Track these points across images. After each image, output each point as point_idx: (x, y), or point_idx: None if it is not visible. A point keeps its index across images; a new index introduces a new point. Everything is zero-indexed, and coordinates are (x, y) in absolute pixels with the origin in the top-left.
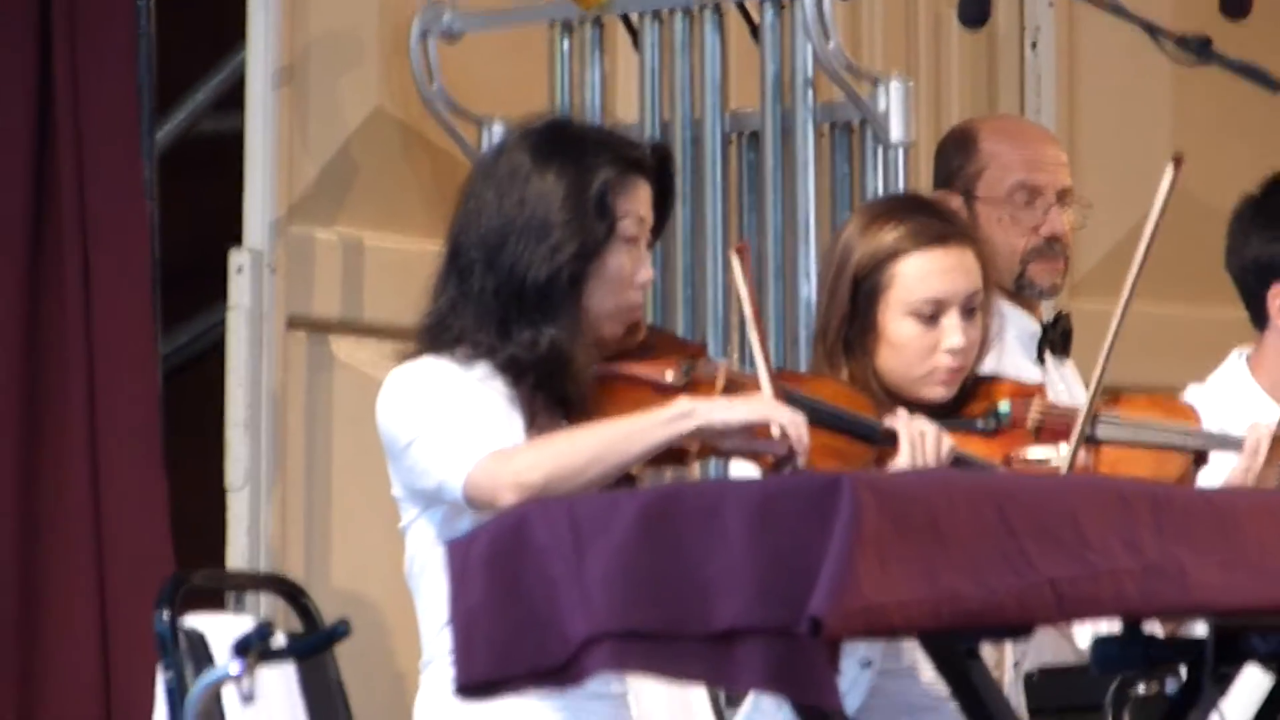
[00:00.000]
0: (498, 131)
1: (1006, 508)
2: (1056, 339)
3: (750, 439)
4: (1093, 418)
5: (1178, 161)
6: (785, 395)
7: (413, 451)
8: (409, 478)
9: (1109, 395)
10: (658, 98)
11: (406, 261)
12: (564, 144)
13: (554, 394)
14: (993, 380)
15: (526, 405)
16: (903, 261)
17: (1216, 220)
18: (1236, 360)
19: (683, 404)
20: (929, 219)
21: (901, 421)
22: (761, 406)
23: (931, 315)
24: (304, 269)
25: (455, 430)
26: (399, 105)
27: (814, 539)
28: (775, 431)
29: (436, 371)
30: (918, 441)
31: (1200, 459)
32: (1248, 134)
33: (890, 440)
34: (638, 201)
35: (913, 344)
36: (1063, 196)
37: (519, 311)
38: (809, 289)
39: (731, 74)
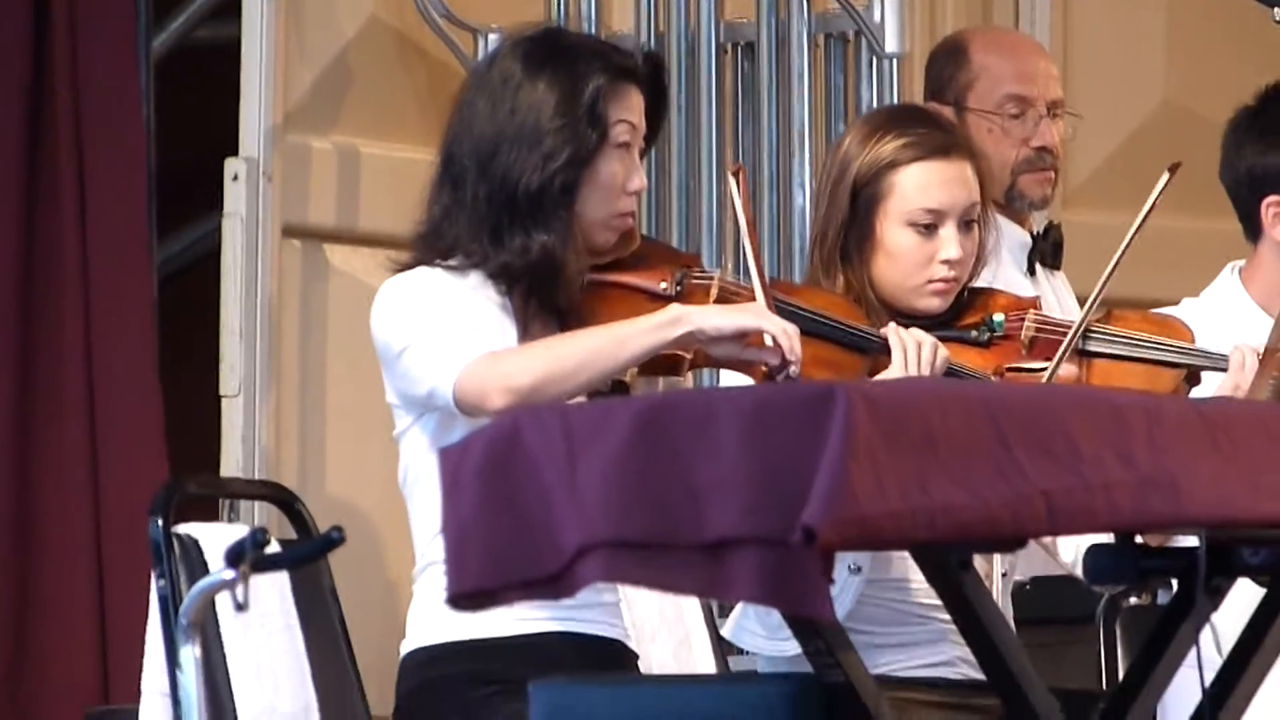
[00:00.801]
0: (493, 41)
1: (1000, 419)
2: (1047, 250)
3: (742, 347)
4: (1085, 331)
5: (1173, 170)
6: (779, 305)
7: (405, 359)
8: (402, 385)
9: (1101, 310)
10: (653, 8)
11: (402, 170)
12: (556, 52)
13: (546, 301)
14: (988, 292)
15: (519, 313)
16: (902, 172)
17: (1210, 132)
18: (1229, 274)
19: (674, 309)
20: (929, 130)
21: (895, 332)
22: (754, 314)
23: (929, 226)
24: (299, 177)
25: (446, 337)
26: (395, 14)
27: (807, 448)
28: (768, 340)
29: (430, 281)
30: (911, 351)
31: (1193, 377)
32: (1241, 47)
33: (884, 350)
34: (630, 109)
35: (909, 254)
36: (1053, 108)
37: (511, 219)
38: (803, 199)
39: None
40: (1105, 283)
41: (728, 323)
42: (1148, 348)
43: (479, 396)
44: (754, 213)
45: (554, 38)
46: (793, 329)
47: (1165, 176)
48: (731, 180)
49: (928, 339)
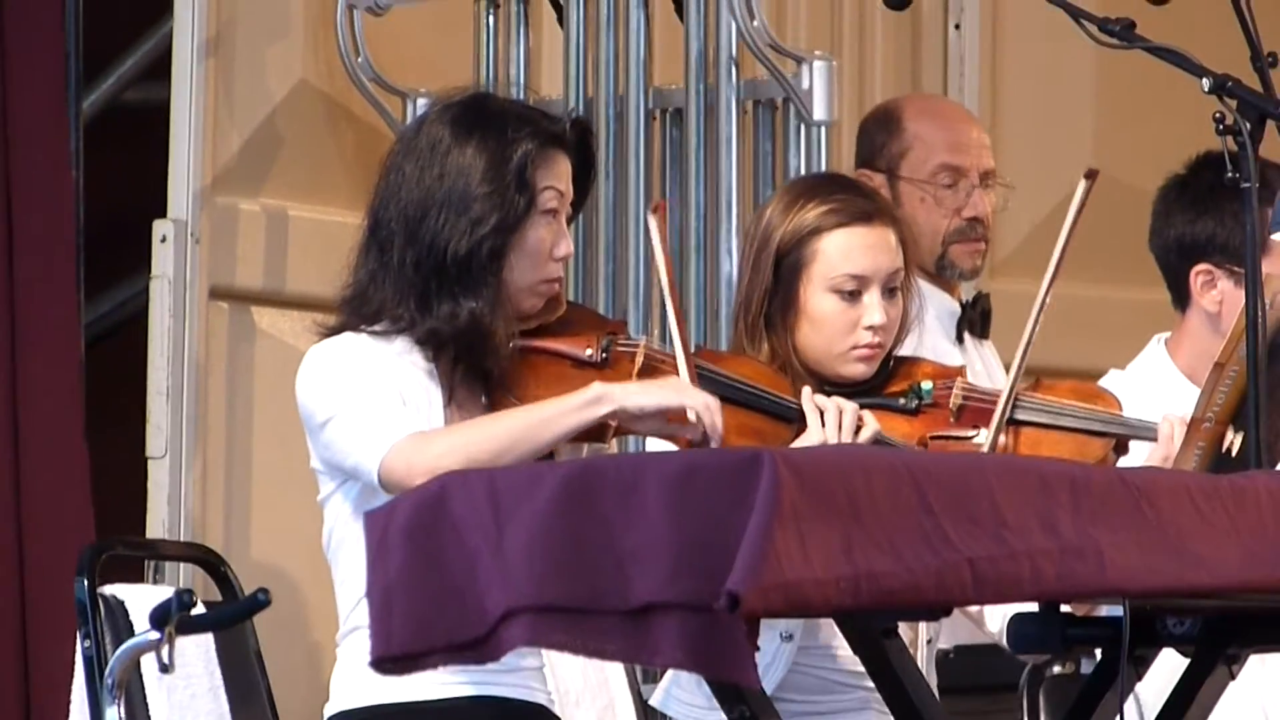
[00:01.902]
0: (422, 105)
1: (925, 487)
2: (976, 319)
3: (665, 422)
4: (1013, 400)
5: (1091, 176)
6: (703, 374)
7: (329, 430)
8: (326, 454)
9: (1030, 379)
10: (582, 74)
11: (330, 233)
12: (484, 118)
13: (474, 367)
14: (914, 361)
15: (446, 379)
16: (825, 238)
17: (1139, 201)
18: (1156, 346)
19: (597, 388)
20: (852, 197)
21: (810, 398)
22: (675, 391)
23: (852, 292)
24: (227, 239)
25: (371, 411)
26: (324, 78)
27: (733, 515)
28: (690, 416)
29: (355, 348)
30: (829, 416)
31: (1121, 447)
32: (1170, 117)
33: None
34: (558, 175)
35: (833, 320)
36: (985, 178)
37: (439, 284)
38: (730, 266)
39: (656, 50)
40: (1035, 324)
41: (649, 401)
42: (1076, 417)
43: (404, 478)
44: (680, 270)
45: (482, 103)
46: (715, 404)
47: (1084, 184)
48: (652, 218)
49: (848, 405)
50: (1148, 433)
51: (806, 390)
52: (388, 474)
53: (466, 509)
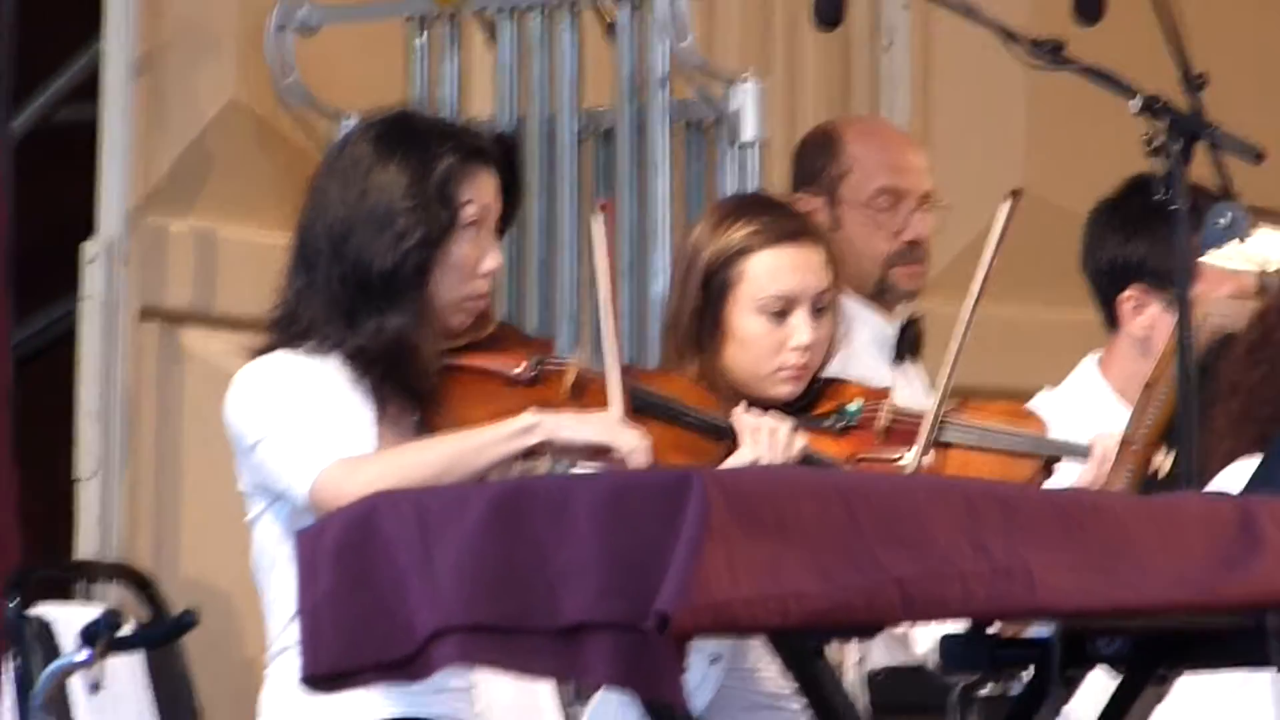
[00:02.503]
0: (352, 125)
1: (855, 506)
2: (909, 342)
3: (592, 455)
4: (940, 421)
5: (1015, 195)
6: (634, 393)
7: (259, 451)
8: (256, 476)
9: (958, 400)
10: (513, 94)
11: (260, 253)
12: (407, 135)
13: (402, 384)
14: (840, 382)
15: (376, 395)
16: (752, 258)
17: (1070, 223)
18: (1089, 365)
19: (528, 417)
20: (779, 217)
21: (750, 418)
22: (606, 428)
23: (779, 312)
24: (157, 260)
25: (301, 434)
26: (254, 98)
27: (663, 534)
28: (618, 456)
29: (284, 368)
30: (763, 435)
31: (1049, 467)
32: (1101, 138)
33: (736, 436)
34: (481, 189)
35: (760, 340)
36: (924, 201)
37: (365, 301)
38: (661, 286)
39: (587, 71)
40: (960, 345)
41: (579, 436)
42: (1003, 437)
43: (334, 504)
44: (616, 259)
45: (405, 121)
46: (644, 445)
47: (1007, 204)
48: (596, 218)
49: (782, 424)
50: (1075, 452)
51: (740, 408)
52: (318, 499)
53: (396, 528)
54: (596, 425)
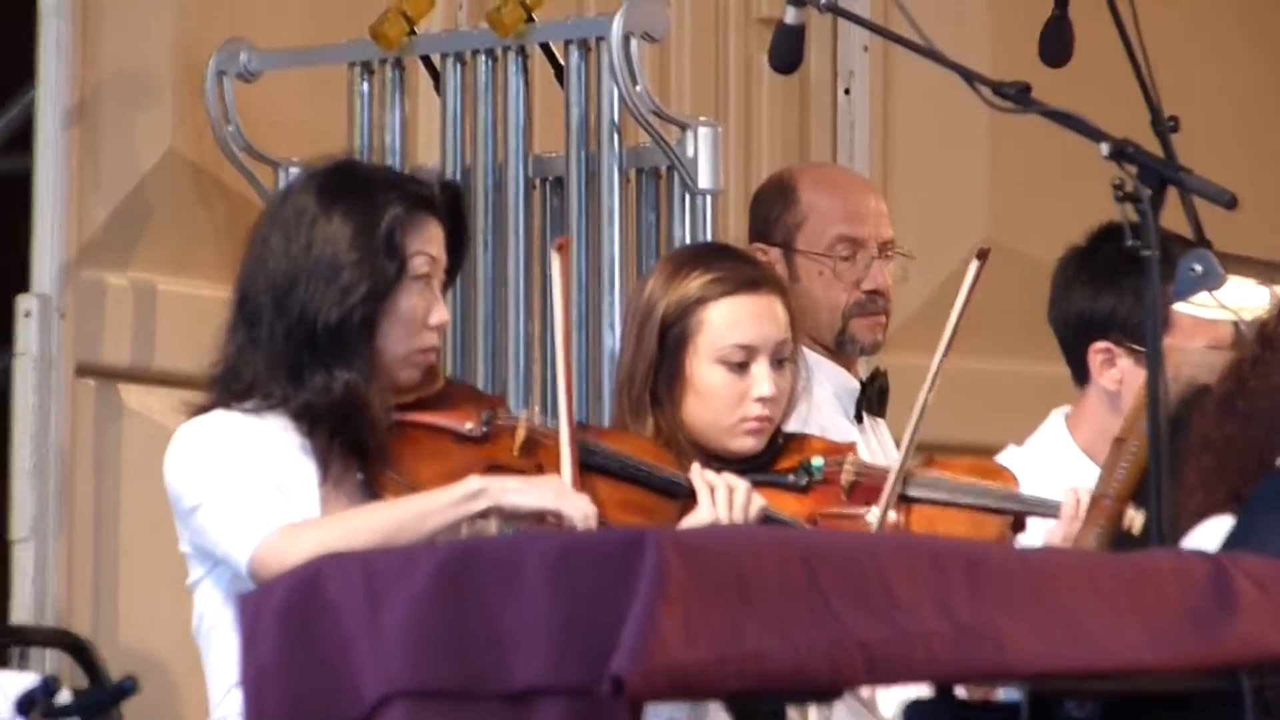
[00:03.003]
0: (294, 175)
1: (816, 566)
2: (874, 396)
3: (539, 521)
4: (906, 476)
5: (983, 255)
6: (587, 451)
7: (199, 516)
8: (196, 540)
9: (924, 456)
10: (459, 141)
11: (199, 308)
12: (351, 184)
13: (350, 441)
14: (803, 437)
15: (322, 454)
16: (711, 307)
17: (1037, 272)
18: (1056, 420)
19: (475, 483)
20: (737, 265)
21: (701, 474)
22: (555, 494)
23: (740, 363)
24: (94, 315)
25: (241, 499)
26: (193, 147)
27: (617, 596)
28: (566, 523)
29: (225, 427)
30: (720, 494)
31: (1019, 524)
32: (1066, 184)
33: (693, 494)
34: (428, 240)
35: (721, 392)
36: (884, 249)
37: (311, 356)
38: (613, 340)
39: (536, 117)
40: (925, 402)
41: (527, 502)
42: (971, 494)
43: (275, 572)
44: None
45: (348, 170)
46: (592, 512)
47: (975, 264)
48: (555, 256)
49: (739, 483)
50: (1046, 509)
51: (696, 466)
52: (258, 567)
53: (341, 592)
54: (543, 491)
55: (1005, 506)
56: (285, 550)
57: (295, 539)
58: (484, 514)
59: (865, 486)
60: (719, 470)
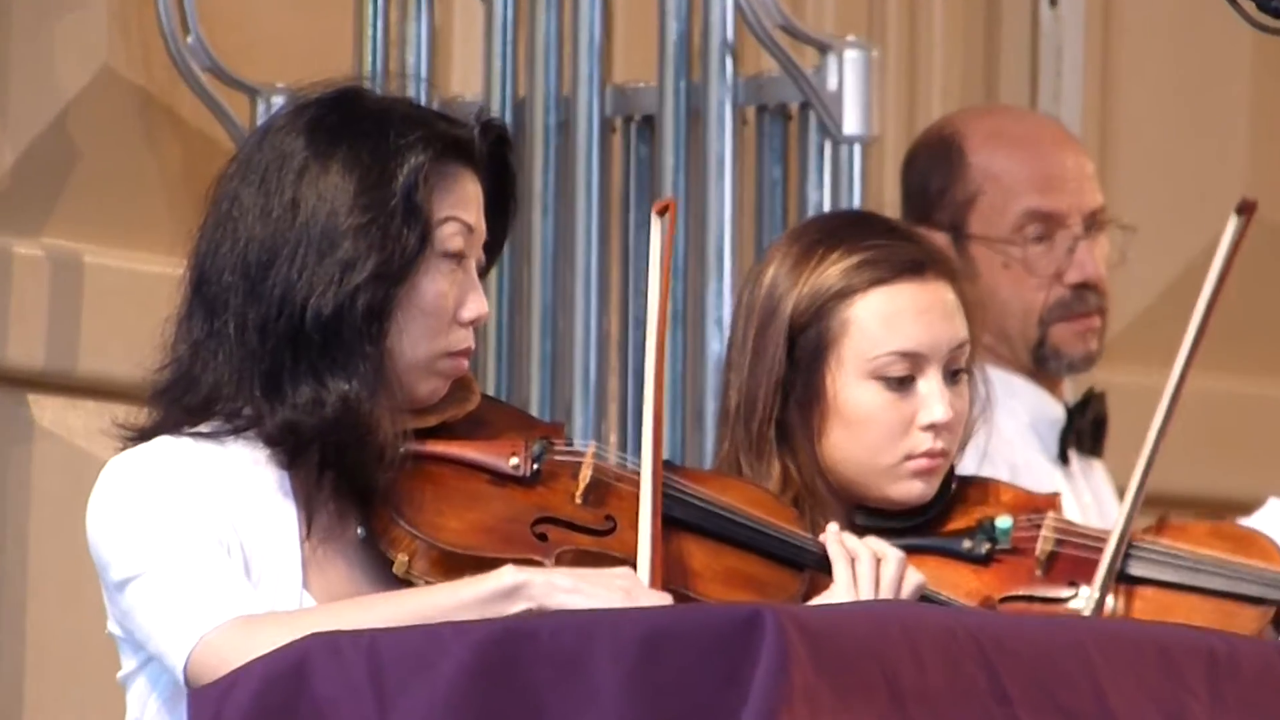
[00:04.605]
0: (278, 106)
1: (997, 664)
2: (1085, 429)
3: None
4: (1129, 546)
5: (1246, 209)
6: (677, 503)
7: (130, 594)
8: (125, 622)
9: (1156, 518)
10: (510, 65)
11: (143, 289)
12: (355, 121)
13: (346, 479)
14: (986, 484)
15: (306, 496)
16: (858, 302)
17: None
18: None
19: (511, 576)
20: (890, 242)
21: (838, 539)
22: (624, 596)
23: (902, 378)
24: None
25: (183, 578)
26: (137, 67)
27: (720, 698)
28: None
29: (171, 465)
30: (864, 566)
31: None
32: None
33: (824, 565)
34: (463, 201)
35: (878, 418)
36: (1092, 222)
37: (294, 359)
38: (720, 343)
39: (617, 34)
40: (1160, 435)
41: (583, 603)
42: (1218, 574)
43: None
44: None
45: (353, 101)
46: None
47: (1235, 222)
48: (655, 223)
49: (890, 552)
50: None
51: (833, 527)
52: (197, 675)
53: (338, 686)
54: (608, 590)
55: (1266, 595)
56: (234, 655)
57: (251, 639)
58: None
59: (1071, 559)
60: (864, 533)
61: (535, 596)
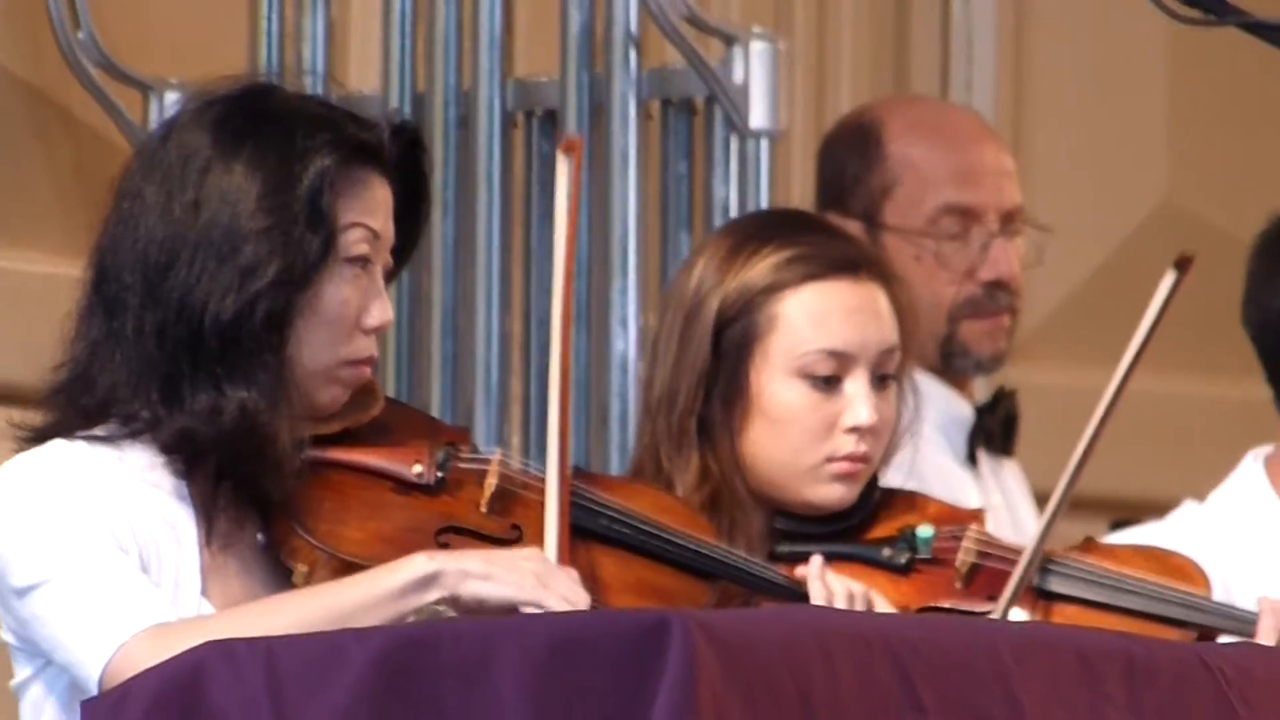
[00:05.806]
0: (174, 102)
1: (912, 671)
2: (995, 429)
3: (512, 614)
4: (1050, 563)
5: (1182, 265)
6: (585, 509)
7: (34, 602)
8: (25, 631)
9: (1082, 540)
10: (409, 59)
11: (33, 290)
12: (261, 120)
13: (246, 488)
14: (908, 495)
15: (204, 506)
16: (788, 299)
17: (1225, 253)
18: (1251, 466)
19: (423, 564)
20: (822, 240)
21: (830, 582)
22: (535, 580)
23: (828, 377)
24: None
25: (95, 583)
26: (27, 61)
27: (626, 706)
28: None
29: (66, 469)
30: (840, 604)
31: (1206, 639)
32: (1272, 130)
33: (773, 588)
34: (370, 206)
35: (801, 417)
36: (1009, 220)
37: (193, 364)
38: (626, 343)
39: (518, 27)
40: (1088, 447)
41: (495, 592)
42: (1140, 595)
43: None
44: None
45: (260, 99)
46: (582, 600)
47: (1171, 275)
48: (561, 160)
49: (858, 589)
50: (1236, 624)
51: (817, 560)
52: (114, 684)
53: (233, 697)
54: (519, 574)
55: (1190, 618)
56: (151, 664)
57: (168, 647)
58: (436, 604)
59: (992, 572)
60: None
61: (449, 582)
